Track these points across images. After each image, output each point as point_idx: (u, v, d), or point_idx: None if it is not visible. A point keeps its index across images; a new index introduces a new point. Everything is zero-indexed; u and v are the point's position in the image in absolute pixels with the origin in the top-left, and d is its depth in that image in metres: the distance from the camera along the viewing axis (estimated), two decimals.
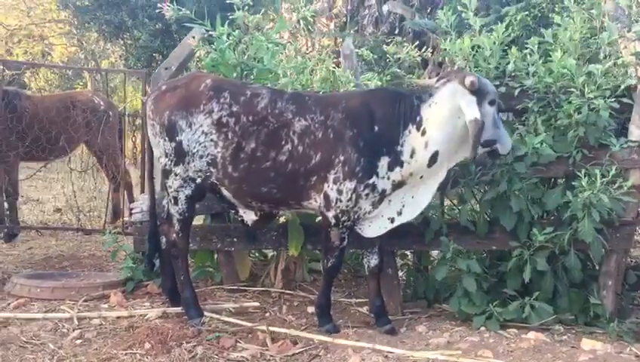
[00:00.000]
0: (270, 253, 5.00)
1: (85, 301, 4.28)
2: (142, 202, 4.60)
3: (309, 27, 14.38)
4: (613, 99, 3.79)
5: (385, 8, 14.64)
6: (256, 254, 5.19)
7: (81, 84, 16.83)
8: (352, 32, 15.09)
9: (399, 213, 3.80)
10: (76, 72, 16.91)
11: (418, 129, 3.59)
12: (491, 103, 3.54)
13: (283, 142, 3.66)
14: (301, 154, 3.65)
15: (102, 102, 6.52)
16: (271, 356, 3.52)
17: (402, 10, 14.50)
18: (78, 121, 6.16)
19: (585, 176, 3.76)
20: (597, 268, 4.21)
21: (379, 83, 4.51)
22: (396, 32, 14.08)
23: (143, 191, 5.05)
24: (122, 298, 4.34)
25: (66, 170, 6.87)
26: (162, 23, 12.83)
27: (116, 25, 13.33)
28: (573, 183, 3.84)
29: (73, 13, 14.47)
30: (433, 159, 3.59)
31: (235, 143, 3.66)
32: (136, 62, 13.45)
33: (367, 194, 3.65)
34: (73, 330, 3.78)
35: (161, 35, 13.17)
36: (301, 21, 14.30)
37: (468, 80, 3.47)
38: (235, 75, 4.46)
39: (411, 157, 3.62)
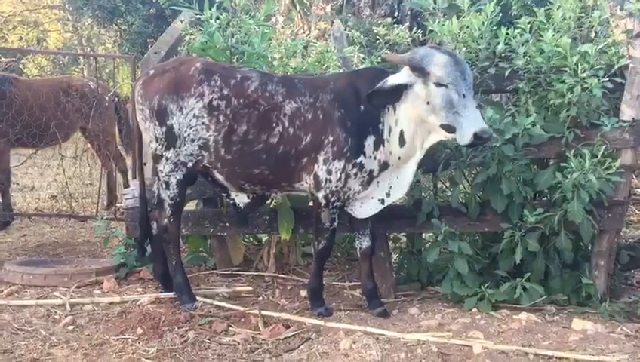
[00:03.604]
0: (264, 237, 5.00)
1: (78, 287, 4.28)
2: (133, 188, 4.58)
3: (305, 10, 14.28)
4: (606, 79, 3.76)
5: None
6: (250, 239, 5.20)
7: (77, 70, 16.75)
8: (348, 14, 14.98)
9: (388, 194, 3.81)
10: (71, 58, 16.82)
11: (392, 106, 3.60)
12: (438, 85, 3.34)
13: (274, 125, 3.66)
14: (292, 135, 3.66)
15: (97, 87, 6.47)
16: (263, 340, 3.52)
17: None
18: (75, 106, 6.11)
19: (575, 157, 3.75)
20: (589, 248, 4.21)
21: (361, 56, 4.50)
22: (395, 14, 13.97)
23: (134, 177, 5.03)
24: (115, 284, 4.34)
25: (60, 156, 6.84)
26: (156, 8, 12.79)
27: (110, 10, 13.30)
28: (563, 164, 3.82)
29: None
30: (402, 138, 3.59)
31: (227, 126, 3.66)
32: (130, 47, 13.43)
33: (355, 174, 3.66)
34: (65, 316, 3.77)
35: (155, 20, 13.14)
36: (297, 4, 14.19)
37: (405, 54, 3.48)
38: (224, 58, 4.43)
39: (389, 135, 3.64)
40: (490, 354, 3.21)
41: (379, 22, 12.68)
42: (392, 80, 3.49)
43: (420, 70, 3.39)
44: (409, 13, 13.76)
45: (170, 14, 13.06)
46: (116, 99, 6.51)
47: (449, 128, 3.37)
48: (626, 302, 4.09)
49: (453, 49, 4.11)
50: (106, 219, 4.89)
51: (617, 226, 4.08)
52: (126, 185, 6.68)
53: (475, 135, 3.26)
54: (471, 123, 3.28)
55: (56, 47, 17.71)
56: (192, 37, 4.62)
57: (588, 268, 4.09)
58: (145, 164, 4.26)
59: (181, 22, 4.62)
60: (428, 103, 3.41)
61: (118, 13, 13.30)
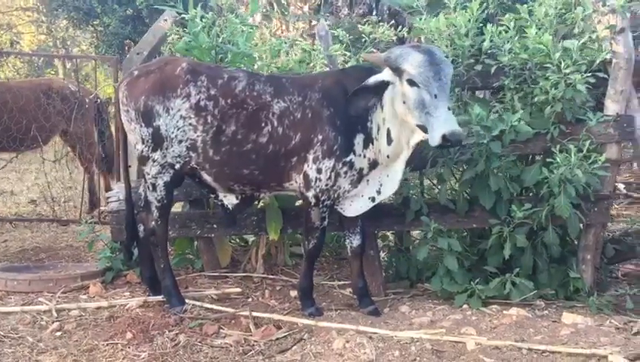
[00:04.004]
0: (250, 238, 4.97)
1: (64, 292, 4.21)
2: (118, 191, 4.53)
3: (283, 10, 14.25)
4: (589, 74, 3.80)
5: None
6: (237, 240, 5.16)
7: (52, 72, 16.50)
8: (327, 14, 14.98)
9: (378, 192, 3.81)
10: (46, 60, 16.59)
11: (380, 104, 3.58)
12: (410, 83, 3.31)
13: (263, 124, 3.64)
14: (281, 135, 3.64)
15: (79, 90, 6.36)
16: (255, 341, 3.49)
17: None
18: (56, 109, 5.99)
19: (561, 152, 3.78)
20: (575, 242, 4.24)
21: (347, 54, 4.50)
22: (374, 12, 14.01)
23: (118, 180, 4.97)
24: (101, 288, 4.28)
25: (39, 160, 6.73)
26: (133, 9, 12.66)
27: (85, 11, 13.14)
28: (549, 159, 3.85)
29: (41, 0, 14.19)
30: (389, 137, 3.58)
31: (215, 127, 3.62)
32: (107, 49, 13.25)
33: (345, 172, 3.66)
34: (52, 322, 3.71)
35: (132, 21, 13.01)
36: (274, 4, 14.12)
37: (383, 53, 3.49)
38: (209, 58, 4.39)
39: (377, 133, 3.64)
40: (484, 350, 3.22)
41: (364, 20, 12.73)
42: (374, 77, 3.48)
43: (396, 69, 3.39)
44: (387, 11, 13.82)
45: (147, 15, 12.94)
46: (98, 100, 6.42)
47: (423, 128, 3.33)
48: (612, 295, 4.14)
49: (439, 47, 4.12)
50: (91, 222, 4.81)
51: (603, 220, 4.13)
52: (108, 189, 6.62)
53: (444, 137, 3.17)
54: (440, 124, 3.20)
55: (30, 50, 17.44)
56: (177, 37, 4.58)
57: (575, 263, 4.13)
58: (129, 166, 4.21)
59: (164, 21, 4.56)
60: (404, 103, 3.40)
61: (94, 14, 13.12)
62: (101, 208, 6.73)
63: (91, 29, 14.10)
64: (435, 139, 3.21)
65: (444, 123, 3.20)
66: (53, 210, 6.56)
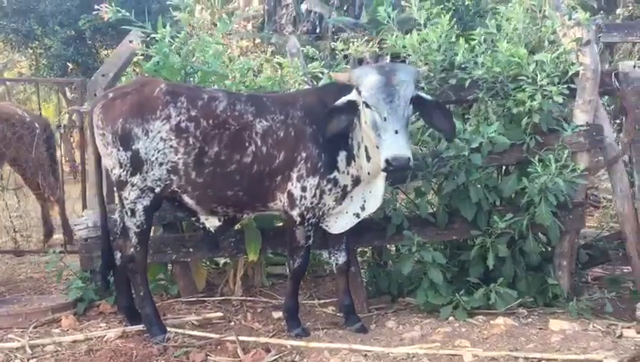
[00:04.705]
0: (222, 260, 4.86)
1: (35, 327, 3.98)
2: (86, 218, 4.36)
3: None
4: (565, 86, 3.91)
5: (303, 7, 14.63)
6: (207, 263, 5.03)
7: None
8: (270, 32, 14.99)
9: (363, 208, 3.81)
10: None
11: (359, 122, 3.57)
12: (365, 105, 3.34)
13: (247, 144, 3.57)
14: (265, 154, 3.58)
15: (26, 115, 6.09)
16: None
17: (320, 8, 14.55)
18: (7, 137, 5.70)
19: (539, 162, 3.87)
20: (550, 249, 4.33)
21: (325, 71, 4.51)
22: (317, 30, 14.12)
23: (85, 207, 4.78)
24: (74, 320, 4.07)
25: None
26: (75, 30, 12.31)
27: (24, 33, 12.70)
28: (528, 169, 3.92)
29: None
30: (367, 154, 3.57)
31: (197, 148, 3.53)
32: (48, 71, 12.85)
33: (330, 189, 3.64)
34: (28, 360, 3.50)
35: (75, 42, 12.64)
36: (218, 23, 14.02)
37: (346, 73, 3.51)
38: (178, 78, 4.30)
39: (358, 150, 3.63)
40: None
41: (306, 38, 12.78)
42: (341, 99, 3.47)
43: (357, 89, 3.42)
44: (333, 28, 13.94)
45: (90, 36, 12.61)
46: (60, 125, 6.18)
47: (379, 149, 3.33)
48: (588, 299, 4.22)
49: (411, 63, 4.16)
50: (58, 252, 4.58)
51: (578, 226, 4.23)
52: (64, 217, 6.39)
53: (387, 161, 3.18)
54: (385, 148, 3.21)
55: None
56: (142, 57, 4.47)
57: (552, 269, 4.21)
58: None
59: (130, 42, 4.44)
60: (365, 123, 3.42)
61: (33, 36, 12.70)
62: (56, 236, 6.51)
63: (30, 51, 13.63)
64: (381, 162, 3.23)
65: (388, 147, 3.21)
66: (15, 241, 6.24)
